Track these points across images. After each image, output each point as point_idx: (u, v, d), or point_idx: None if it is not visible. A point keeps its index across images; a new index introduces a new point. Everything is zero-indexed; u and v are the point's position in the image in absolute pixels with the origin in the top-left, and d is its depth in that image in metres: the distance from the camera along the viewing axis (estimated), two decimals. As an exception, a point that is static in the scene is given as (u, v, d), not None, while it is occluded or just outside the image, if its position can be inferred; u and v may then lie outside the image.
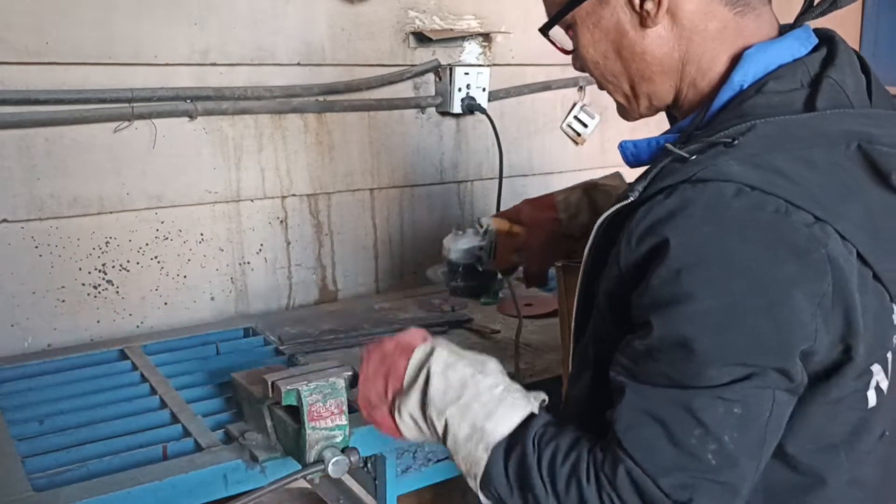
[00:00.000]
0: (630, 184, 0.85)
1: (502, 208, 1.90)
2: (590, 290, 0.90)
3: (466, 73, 1.93)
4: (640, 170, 0.89)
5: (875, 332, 0.80)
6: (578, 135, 2.24)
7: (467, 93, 1.94)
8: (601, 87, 0.99)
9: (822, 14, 0.90)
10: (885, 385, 0.85)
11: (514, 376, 1.33)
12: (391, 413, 0.95)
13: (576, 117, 2.22)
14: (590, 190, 1.31)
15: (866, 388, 0.83)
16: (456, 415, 0.89)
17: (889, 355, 0.85)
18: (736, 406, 0.75)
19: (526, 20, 2.09)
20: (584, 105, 2.23)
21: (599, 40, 0.92)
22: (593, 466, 0.81)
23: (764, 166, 0.76)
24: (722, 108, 0.87)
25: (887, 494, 0.91)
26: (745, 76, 0.86)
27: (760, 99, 0.83)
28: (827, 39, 0.90)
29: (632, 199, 0.82)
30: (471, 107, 1.95)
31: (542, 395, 0.91)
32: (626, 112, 0.99)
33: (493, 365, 0.94)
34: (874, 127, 0.80)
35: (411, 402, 0.93)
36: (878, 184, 0.79)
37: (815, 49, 0.89)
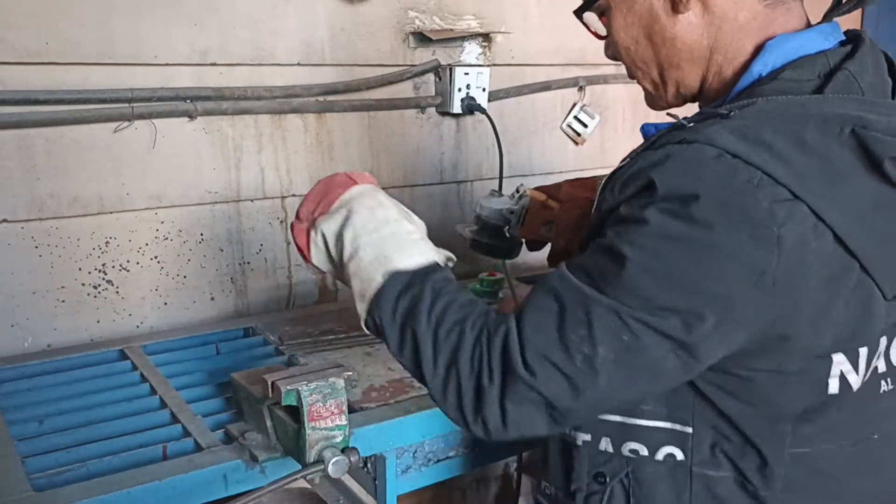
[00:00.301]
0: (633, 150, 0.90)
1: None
2: None
3: (466, 73, 1.93)
4: None
5: (846, 322, 0.81)
6: (578, 135, 2.24)
7: (467, 93, 1.94)
8: (631, 76, 1.01)
9: (849, 11, 0.93)
10: (853, 379, 0.86)
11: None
12: (308, 230, 1.01)
13: (576, 117, 2.22)
14: None
15: (827, 373, 0.85)
16: (368, 242, 0.94)
17: (863, 350, 0.85)
18: (627, 333, 0.79)
19: (526, 20, 2.09)
20: (584, 105, 2.23)
21: (632, 25, 0.94)
22: (483, 321, 0.86)
23: (752, 138, 0.78)
24: (738, 95, 0.90)
25: (861, 494, 0.92)
26: (764, 65, 0.88)
27: (773, 85, 0.86)
28: (855, 38, 0.91)
29: (629, 159, 0.87)
30: (471, 107, 1.95)
31: (452, 256, 0.98)
32: (654, 100, 1.01)
33: (418, 220, 1.01)
34: (872, 113, 0.80)
35: (331, 224, 0.98)
36: (870, 171, 0.79)
37: (842, 45, 0.90)
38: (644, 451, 0.92)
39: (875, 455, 0.92)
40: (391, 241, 0.94)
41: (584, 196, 1.29)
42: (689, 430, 0.90)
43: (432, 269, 0.92)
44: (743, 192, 0.76)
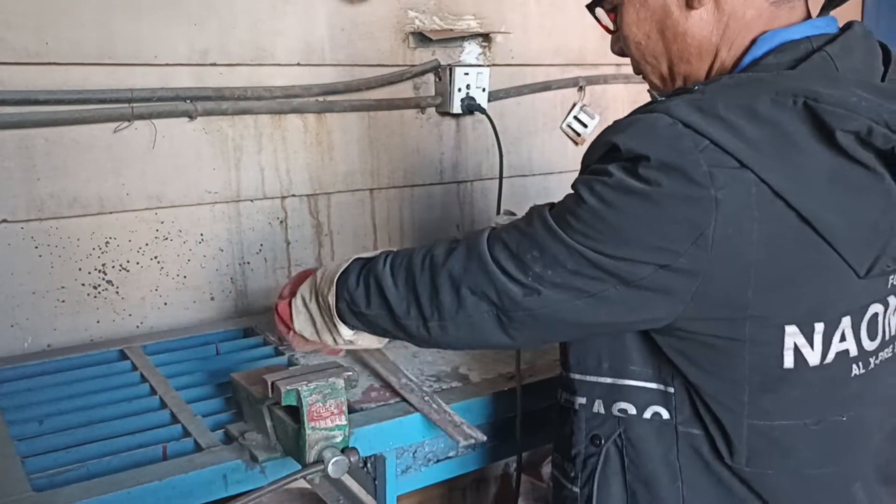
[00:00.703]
0: None
1: (502, 209, 1.91)
2: None
3: (466, 74, 1.93)
4: None
5: (798, 294, 0.85)
6: (578, 135, 2.24)
7: (467, 93, 1.94)
8: (637, 71, 1.03)
9: (843, 2, 0.99)
10: (809, 353, 0.88)
11: (514, 377, 1.34)
12: (289, 302, 1.22)
13: (576, 117, 2.22)
14: None
15: (780, 345, 0.87)
16: (332, 267, 1.14)
17: (818, 325, 0.87)
18: (571, 262, 0.87)
19: (526, 20, 2.09)
20: (584, 105, 2.23)
21: (644, 19, 0.97)
22: (434, 244, 1.02)
23: (706, 110, 0.83)
24: None
25: (833, 475, 0.94)
26: (753, 56, 0.92)
27: (753, 67, 0.91)
28: (847, 27, 0.95)
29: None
30: (471, 107, 1.95)
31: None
32: (661, 93, 1.04)
33: None
34: (827, 87, 0.82)
35: (306, 285, 1.19)
36: (825, 145, 0.81)
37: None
38: (632, 411, 0.97)
39: (843, 437, 0.93)
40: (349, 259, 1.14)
41: None
42: (672, 390, 0.94)
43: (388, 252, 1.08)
44: (686, 155, 0.81)
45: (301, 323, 1.19)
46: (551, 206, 0.94)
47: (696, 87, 0.87)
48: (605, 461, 0.99)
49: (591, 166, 0.91)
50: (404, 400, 1.27)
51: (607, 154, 0.88)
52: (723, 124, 0.81)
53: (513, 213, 1.45)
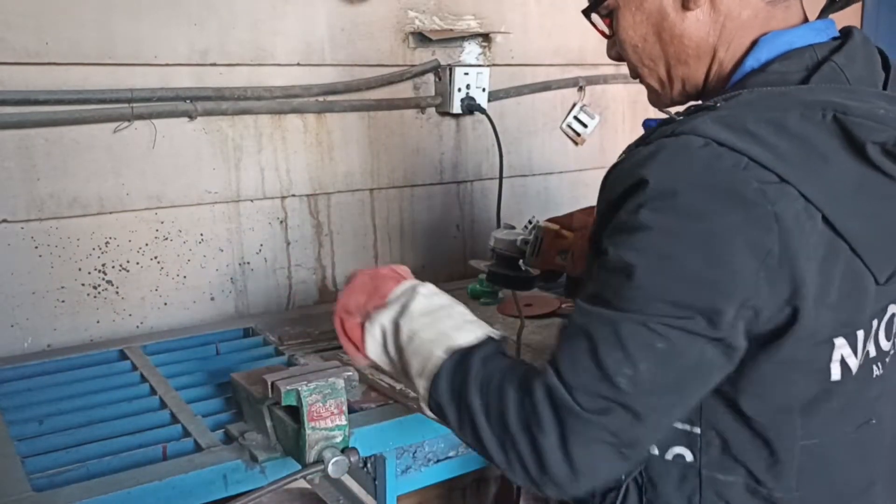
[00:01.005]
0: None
1: (502, 208, 1.91)
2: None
3: (466, 74, 1.93)
4: None
5: (841, 305, 0.82)
6: (578, 135, 2.24)
7: (467, 93, 1.94)
8: (634, 75, 1.02)
9: (844, 7, 0.96)
10: (853, 363, 0.86)
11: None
12: (362, 323, 1.02)
13: (575, 117, 2.22)
14: None
15: (828, 359, 0.85)
16: (427, 322, 0.96)
17: (860, 333, 0.86)
18: (660, 341, 0.78)
19: (526, 20, 2.09)
20: (584, 105, 2.23)
21: (641, 23, 0.95)
22: (521, 376, 0.85)
23: (735, 126, 0.80)
24: (731, 89, 0.91)
25: (861, 478, 0.93)
26: (756, 60, 0.91)
27: (760, 77, 0.89)
28: (847, 34, 0.92)
29: (624, 156, 0.88)
30: (470, 107, 1.95)
31: (505, 334, 0.98)
32: (659, 97, 1.02)
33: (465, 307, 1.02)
34: (852, 100, 0.82)
35: (387, 314, 0.99)
36: (854, 156, 0.80)
37: (833, 41, 0.91)
38: (654, 451, 0.92)
39: (874, 439, 0.93)
40: (448, 321, 0.96)
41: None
42: (697, 430, 0.89)
43: (486, 342, 0.92)
44: (731, 175, 0.77)
45: (376, 354, 1.02)
46: (590, 301, 0.83)
47: (717, 104, 0.85)
48: (625, 498, 0.95)
49: (616, 213, 0.83)
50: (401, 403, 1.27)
51: (633, 189, 0.81)
52: (755, 140, 0.79)
53: (512, 227, 1.43)
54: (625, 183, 0.83)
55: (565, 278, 1.38)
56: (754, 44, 0.91)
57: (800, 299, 0.79)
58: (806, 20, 0.94)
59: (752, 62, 0.91)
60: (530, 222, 1.40)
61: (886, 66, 0.93)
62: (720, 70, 0.94)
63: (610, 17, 0.99)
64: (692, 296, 0.78)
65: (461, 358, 0.90)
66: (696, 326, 0.78)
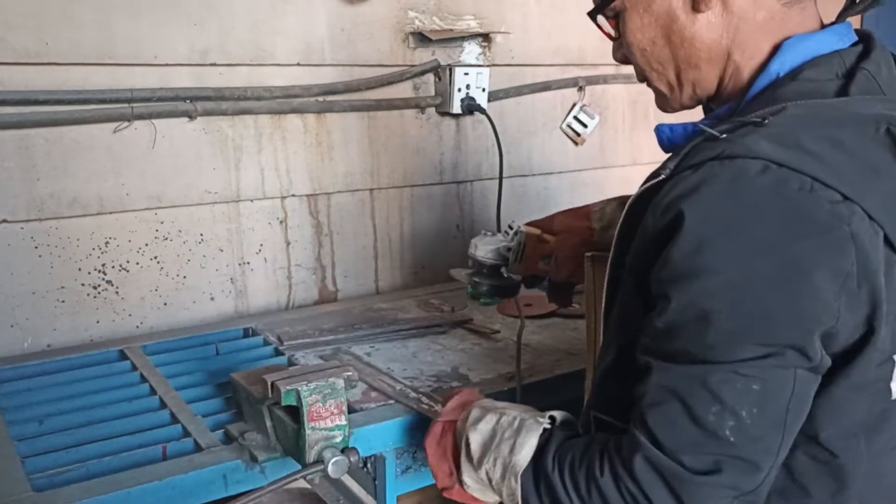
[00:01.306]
0: (663, 162, 0.86)
1: (502, 208, 1.91)
2: (619, 268, 0.91)
3: (466, 74, 1.93)
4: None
5: None
6: (578, 135, 2.24)
7: (467, 93, 1.94)
8: (642, 78, 0.98)
9: (864, 11, 0.93)
10: None
11: (514, 377, 1.34)
12: (462, 486, 1.01)
13: (575, 117, 2.22)
14: (625, 203, 1.30)
15: (889, 378, 0.83)
16: (491, 460, 0.94)
17: None
18: (755, 382, 0.75)
19: (526, 20, 2.09)
20: (584, 105, 2.23)
21: (649, 25, 0.92)
22: (607, 461, 0.81)
23: (791, 144, 0.76)
24: (757, 96, 0.88)
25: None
26: (781, 65, 0.87)
27: (794, 86, 0.85)
28: (865, 37, 0.91)
29: (663, 176, 0.83)
30: (470, 107, 1.95)
31: (550, 413, 0.94)
32: (668, 101, 0.98)
33: (511, 406, 0.99)
34: None
35: (467, 471, 0.98)
36: None
37: (853, 45, 0.90)
38: None
39: None
40: (504, 446, 0.93)
41: (580, 225, 1.28)
42: None
43: (545, 445, 0.90)
44: (799, 199, 0.74)
45: (485, 495, 1.00)
46: (668, 359, 0.79)
47: (765, 119, 0.80)
48: None
49: (666, 251, 0.78)
50: (399, 402, 1.27)
51: (684, 224, 0.76)
52: (815, 158, 0.75)
53: (491, 233, 1.40)
54: (673, 215, 0.78)
55: (547, 282, 1.35)
56: (777, 48, 0.88)
57: (877, 319, 0.77)
58: (822, 22, 0.92)
59: (777, 67, 0.87)
60: (511, 227, 1.36)
61: None
62: (737, 74, 0.91)
63: (616, 19, 0.96)
64: (779, 333, 0.74)
65: (535, 472, 0.88)
66: (788, 361, 0.75)
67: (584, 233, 1.28)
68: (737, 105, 0.90)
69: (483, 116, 1.96)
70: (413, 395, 1.29)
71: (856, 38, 0.91)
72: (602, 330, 0.97)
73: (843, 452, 0.83)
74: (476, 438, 0.97)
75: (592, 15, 0.99)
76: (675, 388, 0.77)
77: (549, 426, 0.92)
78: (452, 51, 1.98)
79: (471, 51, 2.01)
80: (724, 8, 0.88)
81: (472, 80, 1.94)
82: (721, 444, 0.76)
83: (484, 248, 1.37)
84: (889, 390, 0.83)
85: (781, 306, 0.74)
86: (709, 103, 0.98)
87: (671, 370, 0.78)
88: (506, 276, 1.38)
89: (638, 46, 0.94)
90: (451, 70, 1.92)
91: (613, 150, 2.31)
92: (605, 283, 0.94)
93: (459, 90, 1.93)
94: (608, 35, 0.99)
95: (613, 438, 0.83)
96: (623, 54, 0.98)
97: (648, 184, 0.85)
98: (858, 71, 0.85)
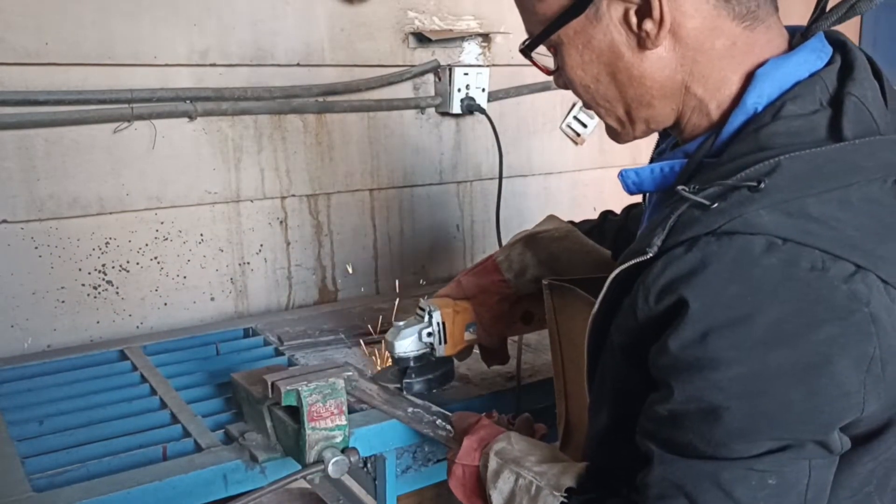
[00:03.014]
0: (643, 234, 0.79)
1: (502, 209, 1.91)
2: (601, 332, 0.84)
3: (466, 74, 1.93)
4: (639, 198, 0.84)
5: None
6: (578, 135, 2.24)
7: (467, 93, 1.94)
8: (589, 108, 0.90)
9: (839, 22, 0.81)
10: None
11: (514, 377, 1.34)
12: None
13: (575, 117, 2.23)
14: (529, 242, 1.23)
15: None
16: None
17: None
18: (770, 477, 0.70)
19: (525, 20, 2.08)
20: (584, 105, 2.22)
21: (590, 62, 0.84)
22: None
23: (795, 213, 0.69)
24: (735, 134, 0.80)
25: None
26: (759, 97, 0.79)
27: (779, 126, 0.76)
28: (839, 45, 0.83)
29: (651, 254, 0.74)
30: (470, 107, 1.95)
31: (568, 486, 0.88)
32: (619, 135, 0.91)
33: (530, 452, 0.94)
34: None
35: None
36: None
37: (830, 59, 0.82)
38: None
39: None
40: (524, 497, 0.90)
41: (490, 281, 1.23)
42: None
43: None
44: (813, 282, 0.67)
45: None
46: (675, 452, 0.73)
47: (761, 183, 0.70)
48: None
49: (664, 336, 0.72)
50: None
51: (683, 311, 0.70)
52: (821, 226, 0.68)
53: (398, 324, 1.26)
54: (673, 301, 0.71)
55: (479, 347, 1.29)
56: (749, 77, 0.80)
57: (889, 394, 0.71)
58: (789, 39, 0.84)
59: (754, 101, 0.79)
60: (422, 308, 1.25)
61: (876, 72, 0.83)
62: (702, 107, 0.83)
63: (555, 49, 0.87)
64: (798, 428, 0.69)
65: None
66: (806, 453, 0.71)
67: (499, 287, 1.22)
68: (711, 142, 0.81)
69: (483, 116, 1.97)
70: (427, 417, 1.22)
71: (831, 50, 0.83)
72: (586, 385, 0.91)
73: None
74: (497, 499, 0.93)
75: (526, 53, 0.90)
76: (683, 485, 0.72)
77: (564, 501, 0.86)
78: (452, 51, 1.98)
79: (470, 51, 2.01)
80: (676, 41, 0.79)
81: (471, 81, 1.94)
82: None
83: (402, 344, 1.24)
84: None
85: (801, 402, 0.68)
86: (668, 131, 0.91)
87: (677, 463, 0.73)
88: (434, 360, 1.28)
89: (580, 83, 0.86)
90: (450, 70, 1.92)
91: (613, 149, 2.31)
92: (587, 338, 0.87)
93: (459, 90, 1.93)
94: (544, 70, 0.91)
95: None
96: (564, 82, 0.89)
97: (633, 261, 0.77)
98: (846, 98, 0.76)
